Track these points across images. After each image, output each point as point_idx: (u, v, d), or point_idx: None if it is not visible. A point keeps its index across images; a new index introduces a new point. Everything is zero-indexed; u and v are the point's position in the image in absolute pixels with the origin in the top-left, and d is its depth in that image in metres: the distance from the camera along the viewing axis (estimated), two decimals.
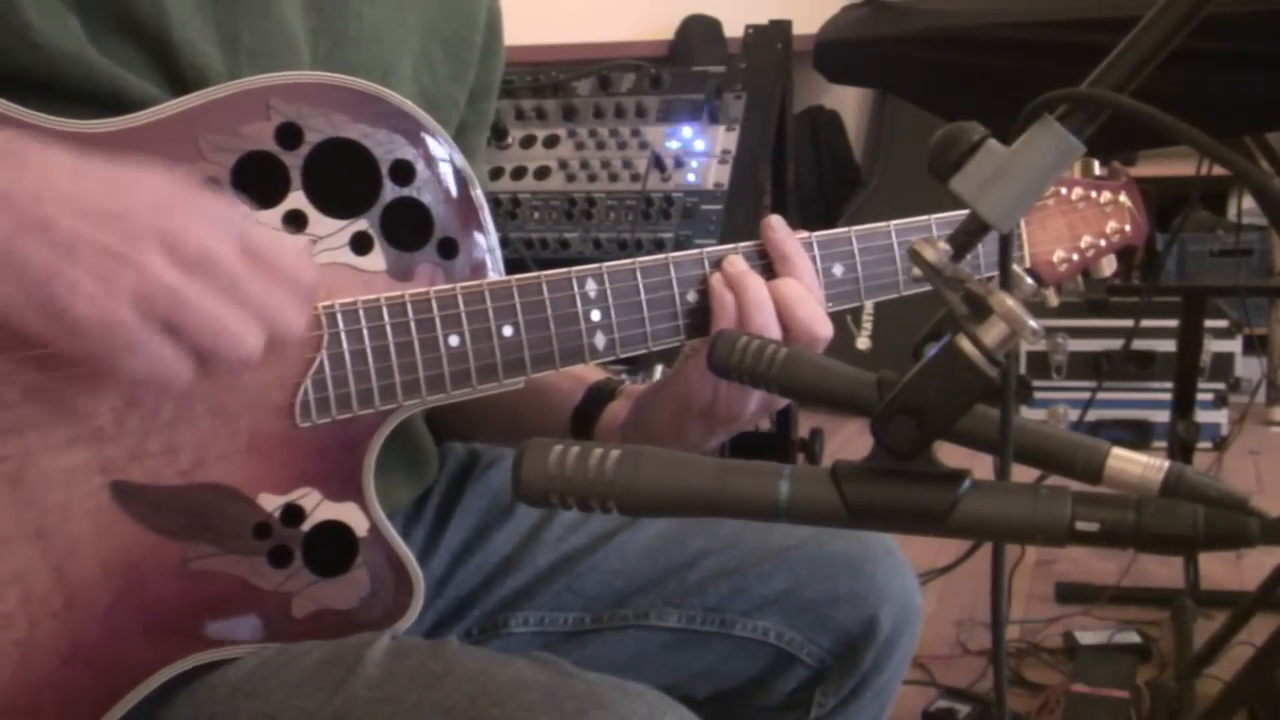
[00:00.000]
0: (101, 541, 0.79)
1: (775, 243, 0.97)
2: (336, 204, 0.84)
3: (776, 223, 0.97)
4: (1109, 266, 1.13)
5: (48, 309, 0.69)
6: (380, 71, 0.94)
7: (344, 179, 0.85)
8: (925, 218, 1.03)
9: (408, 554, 0.88)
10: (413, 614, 0.89)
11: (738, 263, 0.95)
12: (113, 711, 0.81)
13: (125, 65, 0.83)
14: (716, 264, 0.96)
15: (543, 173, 1.98)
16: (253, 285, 0.74)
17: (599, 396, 1.06)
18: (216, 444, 0.81)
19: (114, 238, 0.70)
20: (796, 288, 0.95)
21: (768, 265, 0.97)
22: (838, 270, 1.00)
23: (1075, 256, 1.11)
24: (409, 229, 0.87)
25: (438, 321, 0.87)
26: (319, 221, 0.84)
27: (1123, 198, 1.13)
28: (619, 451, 0.60)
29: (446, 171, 0.89)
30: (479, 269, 0.90)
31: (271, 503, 0.84)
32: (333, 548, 0.86)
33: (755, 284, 0.94)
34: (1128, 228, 1.13)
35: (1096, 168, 1.13)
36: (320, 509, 0.85)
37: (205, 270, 0.72)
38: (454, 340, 0.87)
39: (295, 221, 0.83)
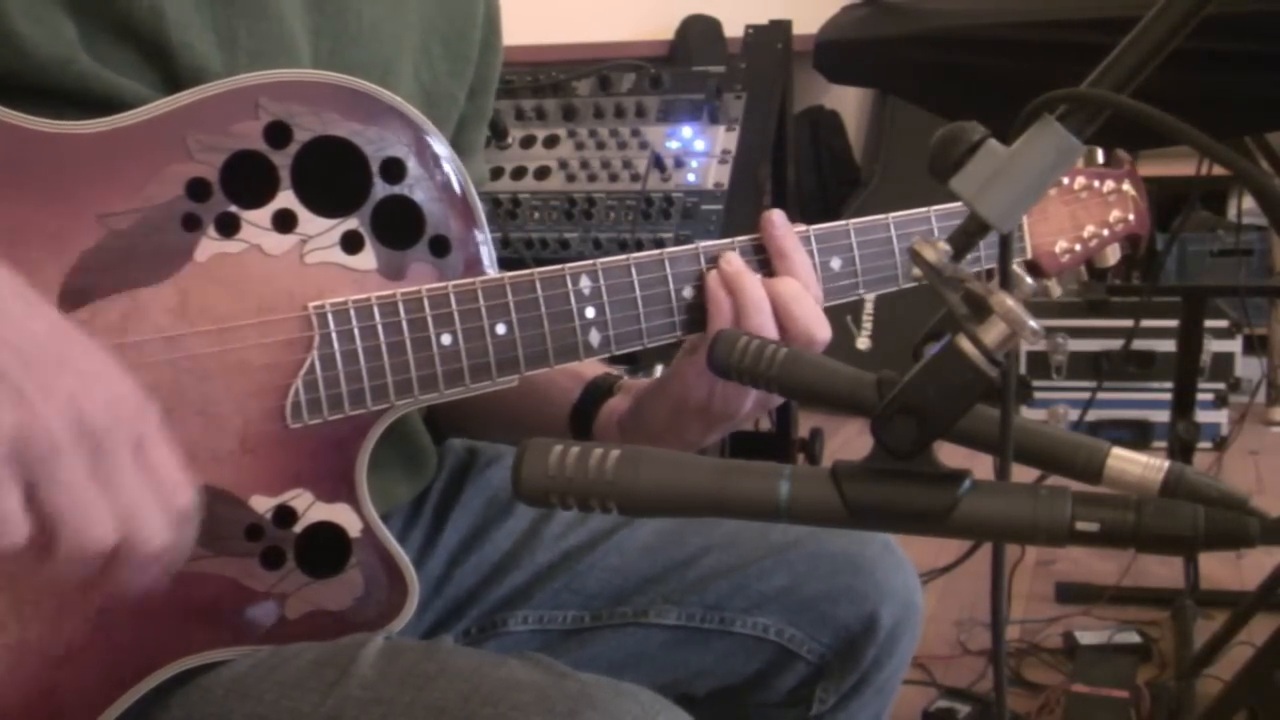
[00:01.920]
0: None
1: (774, 239, 0.96)
2: (327, 203, 0.84)
3: (777, 218, 0.96)
4: (1113, 256, 1.12)
5: None
6: (381, 69, 0.94)
7: (334, 177, 0.84)
8: (924, 210, 1.02)
9: (401, 554, 0.88)
10: (407, 614, 0.88)
11: (734, 261, 0.94)
12: (106, 714, 0.80)
13: (121, 69, 0.82)
14: (712, 260, 0.95)
15: (543, 173, 1.97)
16: (131, 480, 0.69)
17: (597, 393, 1.05)
18: (207, 446, 0.81)
19: (27, 378, 0.65)
20: (794, 286, 0.94)
21: (764, 261, 0.96)
22: (835, 264, 0.99)
23: (1078, 247, 1.10)
24: (400, 227, 0.86)
25: (430, 320, 0.86)
26: (309, 220, 0.83)
27: (1126, 186, 1.12)
28: (619, 452, 0.60)
29: (438, 169, 0.88)
30: (472, 267, 0.89)
31: (263, 504, 0.83)
32: (326, 549, 0.85)
33: (752, 284, 0.93)
34: (1131, 216, 1.12)
35: (1100, 156, 1.12)
36: (312, 510, 0.84)
37: (96, 444, 0.67)
38: (446, 339, 0.87)
39: (285, 221, 0.83)
